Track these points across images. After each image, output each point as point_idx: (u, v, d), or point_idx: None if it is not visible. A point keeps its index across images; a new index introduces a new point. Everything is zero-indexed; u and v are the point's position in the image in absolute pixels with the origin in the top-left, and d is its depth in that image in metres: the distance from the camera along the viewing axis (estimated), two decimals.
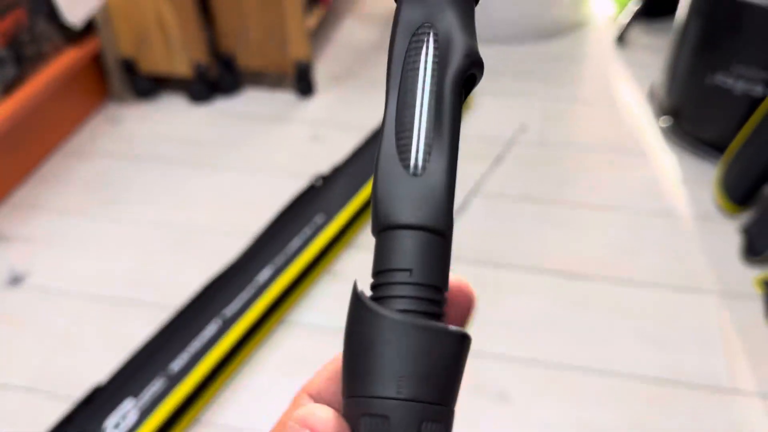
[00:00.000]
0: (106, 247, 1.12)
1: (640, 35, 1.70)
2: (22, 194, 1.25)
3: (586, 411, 0.85)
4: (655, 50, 1.63)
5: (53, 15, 1.31)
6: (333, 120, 1.42)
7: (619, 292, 1.00)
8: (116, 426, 0.80)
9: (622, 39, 1.66)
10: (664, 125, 1.33)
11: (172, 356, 0.86)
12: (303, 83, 1.47)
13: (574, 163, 1.27)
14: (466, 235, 1.11)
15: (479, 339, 0.92)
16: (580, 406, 0.85)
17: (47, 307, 1.02)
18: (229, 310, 0.92)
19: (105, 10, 1.37)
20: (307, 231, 1.03)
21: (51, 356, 0.94)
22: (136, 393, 0.83)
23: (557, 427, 0.84)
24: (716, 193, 1.16)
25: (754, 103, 1.13)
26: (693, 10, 1.19)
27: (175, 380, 0.84)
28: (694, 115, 1.26)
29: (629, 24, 1.64)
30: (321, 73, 1.58)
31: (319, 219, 1.05)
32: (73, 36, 1.38)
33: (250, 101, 1.49)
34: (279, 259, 0.99)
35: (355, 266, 1.06)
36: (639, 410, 0.85)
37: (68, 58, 1.34)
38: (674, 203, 1.17)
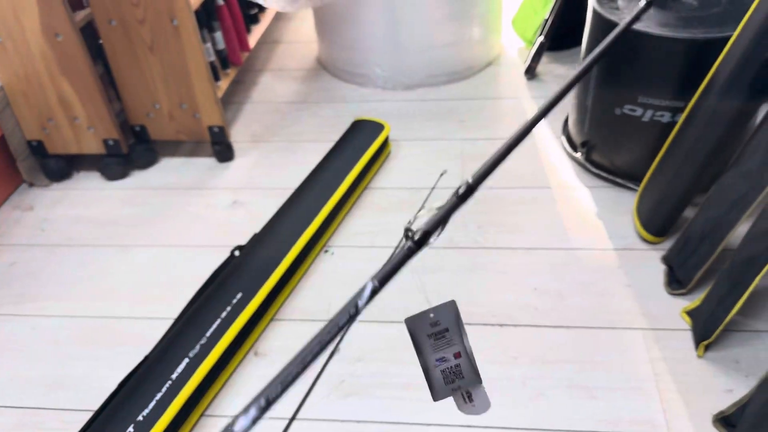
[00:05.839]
0: (19, 351, 1.06)
1: (549, 66, 1.72)
2: None
3: None
4: (565, 81, 1.64)
5: None
6: (253, 183, 1.39)
7: (546, 339, 0.99)
8: None
9: (530, 72, 1.68)
10: (579, 157, 1.33)
11: None
12: (219, 148, 1.44)
13: (495, 205, 1.26)
14: (388, 294, 1.08)
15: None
16: None
17: None
18: (143, 415, 0.87)
19: (2, 95, 1.32)
20: (224, 314, 0.99)
21: None
22: None
23: None
24: (635, 223, 1.16)
25: (664, 129, 1.14)
26: (593, 43, 1.20)
27: None
28: (608, 145, 1.27)
29: (536, 56, 1.66)
30: (240, 133, 1.55)
31: (237, 299, 1.02)
32: None
33: (167, 172, 1.45)
34: (195, 351, 0.94)
35: (280, 342, 1.03)
36: None
37: None
38: (595, 237, 1.17)
